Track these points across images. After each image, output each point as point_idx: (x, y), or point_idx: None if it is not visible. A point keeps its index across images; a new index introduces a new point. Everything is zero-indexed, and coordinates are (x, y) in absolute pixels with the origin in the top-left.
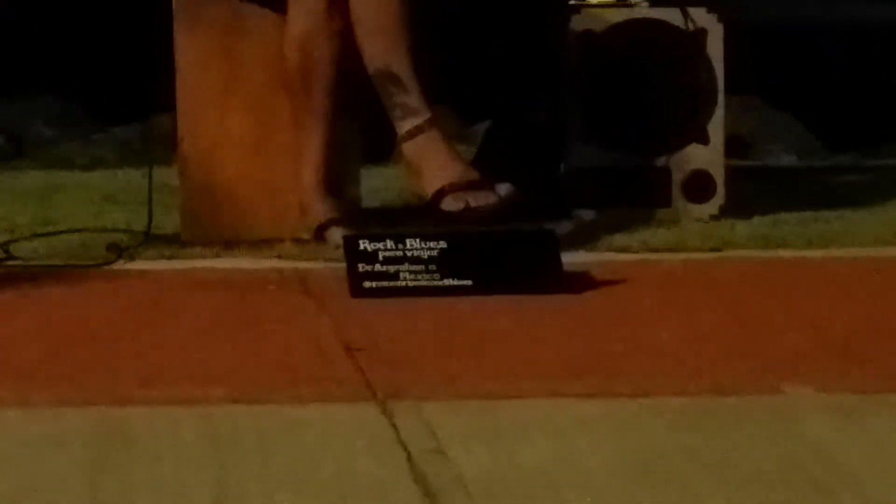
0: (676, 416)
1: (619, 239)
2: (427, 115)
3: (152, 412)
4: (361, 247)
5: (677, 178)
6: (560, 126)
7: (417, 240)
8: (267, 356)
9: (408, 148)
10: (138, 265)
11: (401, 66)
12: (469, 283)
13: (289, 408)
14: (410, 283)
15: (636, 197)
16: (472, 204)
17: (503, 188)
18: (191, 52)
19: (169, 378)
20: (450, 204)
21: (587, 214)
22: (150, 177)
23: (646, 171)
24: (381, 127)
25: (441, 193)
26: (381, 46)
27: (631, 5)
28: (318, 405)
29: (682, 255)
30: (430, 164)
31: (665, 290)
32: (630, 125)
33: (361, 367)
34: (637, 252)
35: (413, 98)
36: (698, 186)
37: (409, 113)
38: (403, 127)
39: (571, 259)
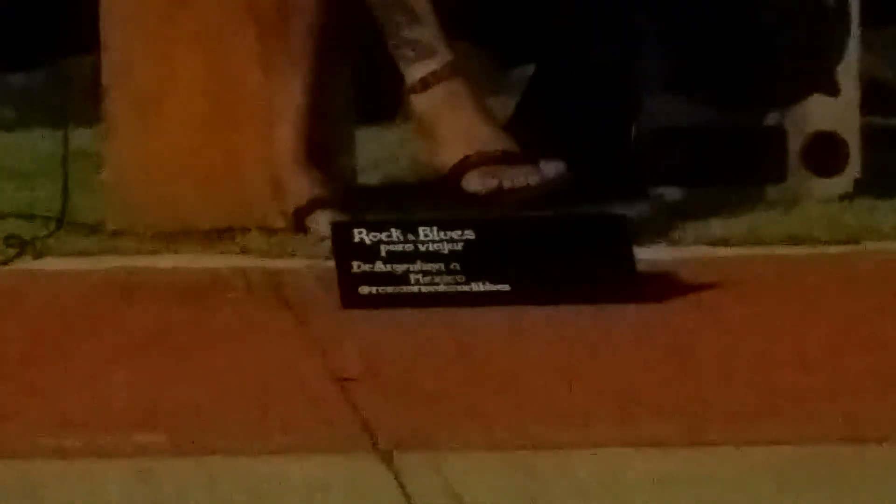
0: (794, 471)
1: (715, 227)
2: (447, 58)
3: (69, 467)
4: (357, 238)
5: (795, 142)
6: (631, 71)
7: (434, 228)
8: (227, 390)
9: (420, 102)
10: (49, 264)
11: None
12: (506, 288)
13: (258, 461)
14: (424, 289)
15: (738, 169)
16: (506, 185)
17: (551, 167)
18: None
19: (92, 421)
20: (474, 182)
21: (670, 193)
22: (66, 142)
23: (751, 134)
24: (385, 74)
25: (463, 167)
26: None
27: None
28: (298, 457)
29: (802, 250)
30: (450, 125)
31: (778, 297)
32: (728, 70)
33: (357, 404)
34: (739, 245)
35: (428, 33)
36: (824, 154)
37: (423, 54)
38: (414, 73)
39: (648, 255)
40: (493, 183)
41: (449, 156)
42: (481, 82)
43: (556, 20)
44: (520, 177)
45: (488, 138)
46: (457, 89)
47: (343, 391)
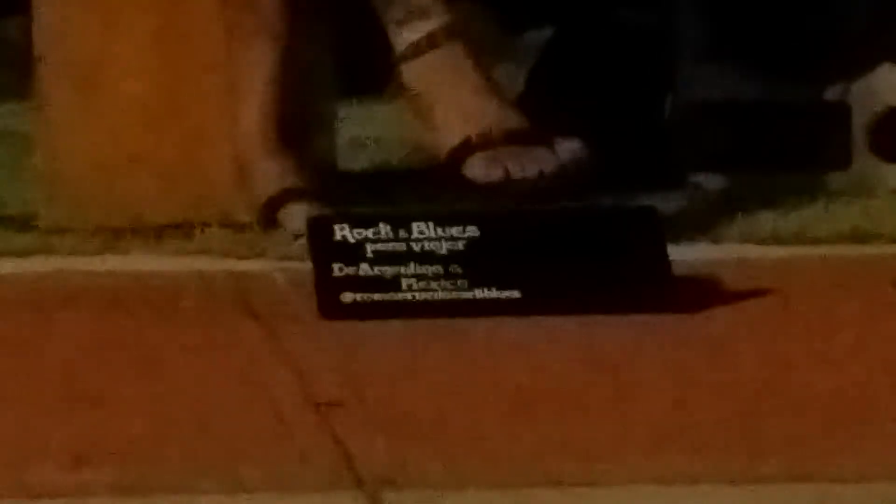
0: None
1: (764, 222)
2: (444, 19)
3: None
4: (338, 235)
5: (860, 120)
6: (666, 36)
7: (431, 224)
8: (182, 417)
9: (411, 72)
10: None
11: None
12: (515, 295)
13: (219, 501)
14: (419, 296)
15: (792, 153)
16: (514, 172)
17: (568, 148)
18: None
19: (18, 455)
20: (477, 168)
21: (711, 181)
22: None
23: (808, 111)
24: (372, 40)
25: (464, 150)
26: None
27: None
28: (268, 497)
29: (868, 249)
30: (447, 100)
31: (840, 307)
32: (781, 34)
33: (339, 434)
34: (793, 244)
35: None
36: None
37: (415, 14)
38: (405, 37)
39: (685, 255)
40: (499, 170)
41: (446, 137)
42: (486, 48)
43: None
44: (531, 162)
45: (494, 116)
46: (455, 57)
47: (322, 418)
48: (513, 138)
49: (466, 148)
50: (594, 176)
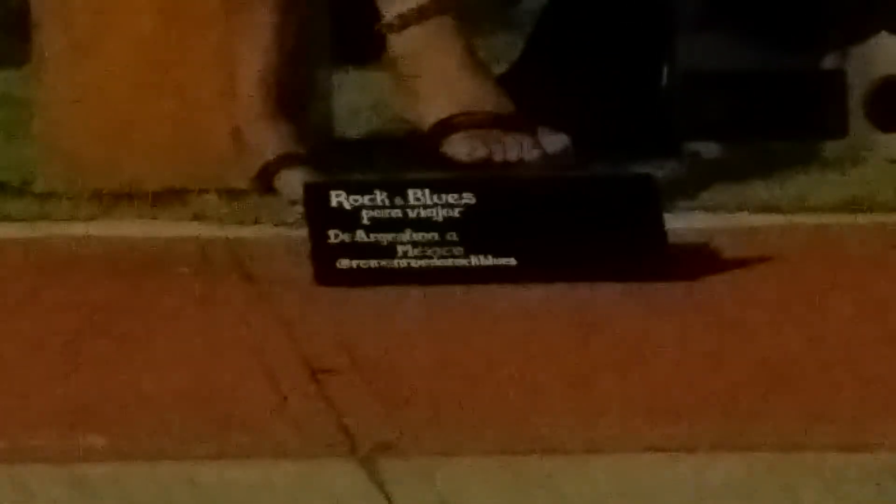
0: (848, 482)
1: (760, 191)
2: None
3: None
4: (334, 201)
5: (857, 90)
6: (664, 4)
7: (427, 191)
8: (178, 383)
9: (398, 44)
10: None
11: None
12: (511, 262)
13: (215, 467)
14: (414, 263)
15: (788, 122)
16: (497, 156)
17: (552, 141)
18: None
19: (16, 419)
20: (459, 147)
21: (708, 149)
22: None
23: (804, 79)
24: (368, 7)
25: (444, 128)
26: None
27: None
28: (262, 463)
29: (864, 218)
30: (432, 74)
31: (835, 275)
32: (778, 2)
33: (333, 400)
34: (789, 213)
35: None
36: (892, 104)
37: None
38: (392, 8)
39: (681, 223)
40: (481, 151)
41: (429, 112)
42: (481, 17)
43: None
44: (514, 147)
45: (479, 95)
46: (443, 31)
47: (317, 385)
48: (495, 122)
49: (448, 126)
50: (577, 168)
